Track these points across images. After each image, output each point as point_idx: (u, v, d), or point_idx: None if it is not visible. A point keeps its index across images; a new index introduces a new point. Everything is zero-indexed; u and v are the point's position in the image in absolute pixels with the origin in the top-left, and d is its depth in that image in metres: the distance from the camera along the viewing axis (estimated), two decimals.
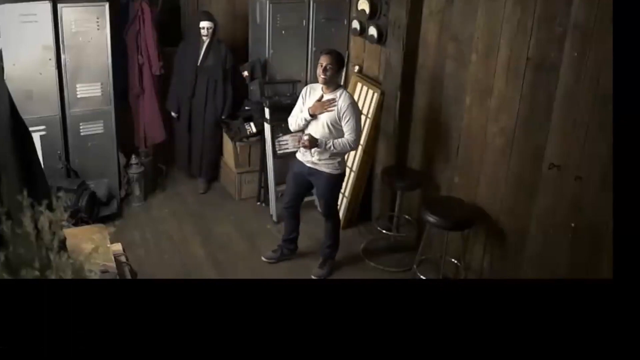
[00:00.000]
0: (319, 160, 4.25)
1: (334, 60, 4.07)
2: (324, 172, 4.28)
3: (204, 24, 5.26)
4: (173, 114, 5.58)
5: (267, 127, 5.18)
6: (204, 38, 5.28)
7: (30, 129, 2.35)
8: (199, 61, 5.33)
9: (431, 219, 4.09)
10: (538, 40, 3.68)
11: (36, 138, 4.37)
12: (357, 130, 4.15)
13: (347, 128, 4.12)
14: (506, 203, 4.09)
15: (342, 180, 4.52)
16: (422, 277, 4.41)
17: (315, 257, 4.79)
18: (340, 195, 5.31)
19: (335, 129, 4.15)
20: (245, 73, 5.36)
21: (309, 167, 4.32)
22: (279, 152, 5.26)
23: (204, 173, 5.76)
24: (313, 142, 4.16)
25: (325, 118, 4.14)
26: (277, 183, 5.29)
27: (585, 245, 3.57)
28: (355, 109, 4.15)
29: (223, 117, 5.52)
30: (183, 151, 5.73)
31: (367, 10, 5.03)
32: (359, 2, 5.16)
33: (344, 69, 4.26)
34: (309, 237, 5.12)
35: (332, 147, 4.13)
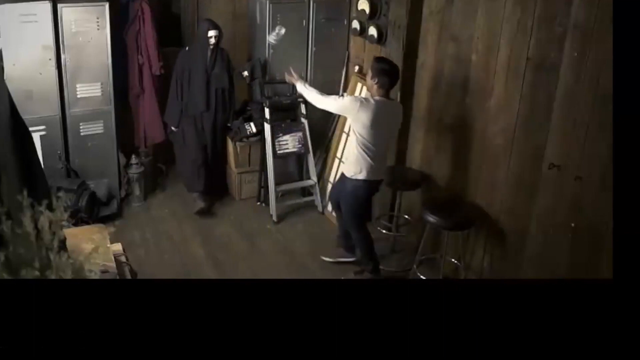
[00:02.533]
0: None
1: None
2: (344, 173, 4.30)
3: (212, 32, 5.05)
4: (173, 128, 5.31)
5: (267, 127, 5.18)
6: (211, 47, 5.10)
7: (30, 129, 2.35)
8: (208, 71, 5.15)
9: (431, 219, 4.09)
10: (538, 40, 3.68)
11: (36, 138, 4.37)
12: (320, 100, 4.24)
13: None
14: (506, 203, 4.08)
15: (361, 189, 4.23)
16: (422, 277, 4.41)
17: (316, 257, 4.80)
18: None
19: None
20: (245, 73, 5.36)
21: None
22: (279, 152, 5.26)
23: (215, 186, 5.50)
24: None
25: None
26: (277, 183, 5.29)
27: (585, 245, 3.57)
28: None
29: (229, 125, 5.45)
30: (196, 169, 5.30)
31: (367, 10, 5.03)
32: (359, 2, 5.16)
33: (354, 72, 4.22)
34: (309, 236, 5.13)
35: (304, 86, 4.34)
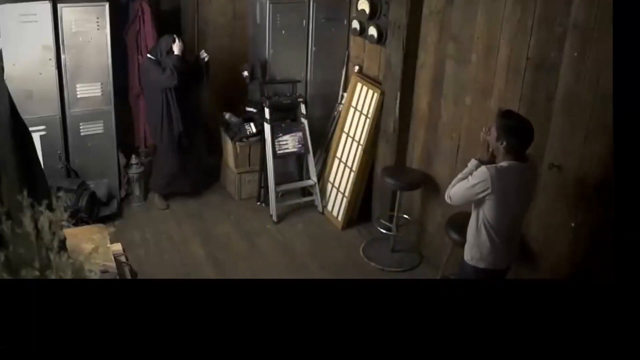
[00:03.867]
0: None
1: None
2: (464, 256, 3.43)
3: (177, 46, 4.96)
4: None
5: (267, 127, 5.18)
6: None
7: (30, 129, 2.35)
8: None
9: (455, 236, 3.86)
10: (538, 40, 3.68)
11: (36, 138, 4.38)
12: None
13: None
14: None
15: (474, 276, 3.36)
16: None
17: (315, 257, 4.80)
18: (340, 195, 5.32)
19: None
20: (245, 73, 5.36)
21: None
22: (279, 152, 5.26)
23: (203, 177, 5.55)
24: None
25: None
26: (277, 183, 5.29)
27: (585, 246, 3.57)
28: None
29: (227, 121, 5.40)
30: (178, 165, 5.35)
31: (367, 10, 5.03)
32: (359, 2, 5.16)
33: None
34: (308, 237, 5.13)
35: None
